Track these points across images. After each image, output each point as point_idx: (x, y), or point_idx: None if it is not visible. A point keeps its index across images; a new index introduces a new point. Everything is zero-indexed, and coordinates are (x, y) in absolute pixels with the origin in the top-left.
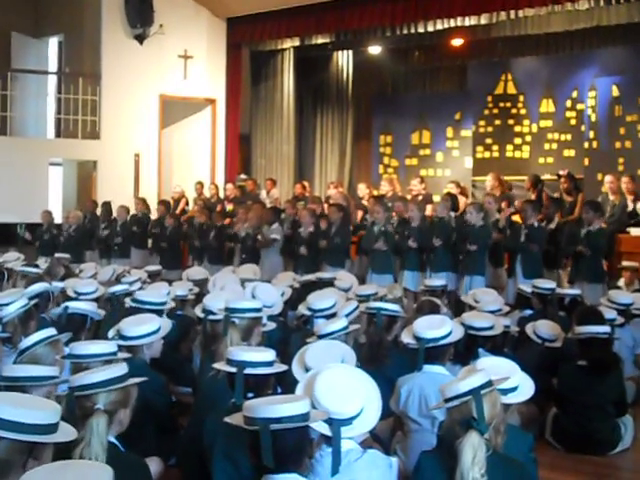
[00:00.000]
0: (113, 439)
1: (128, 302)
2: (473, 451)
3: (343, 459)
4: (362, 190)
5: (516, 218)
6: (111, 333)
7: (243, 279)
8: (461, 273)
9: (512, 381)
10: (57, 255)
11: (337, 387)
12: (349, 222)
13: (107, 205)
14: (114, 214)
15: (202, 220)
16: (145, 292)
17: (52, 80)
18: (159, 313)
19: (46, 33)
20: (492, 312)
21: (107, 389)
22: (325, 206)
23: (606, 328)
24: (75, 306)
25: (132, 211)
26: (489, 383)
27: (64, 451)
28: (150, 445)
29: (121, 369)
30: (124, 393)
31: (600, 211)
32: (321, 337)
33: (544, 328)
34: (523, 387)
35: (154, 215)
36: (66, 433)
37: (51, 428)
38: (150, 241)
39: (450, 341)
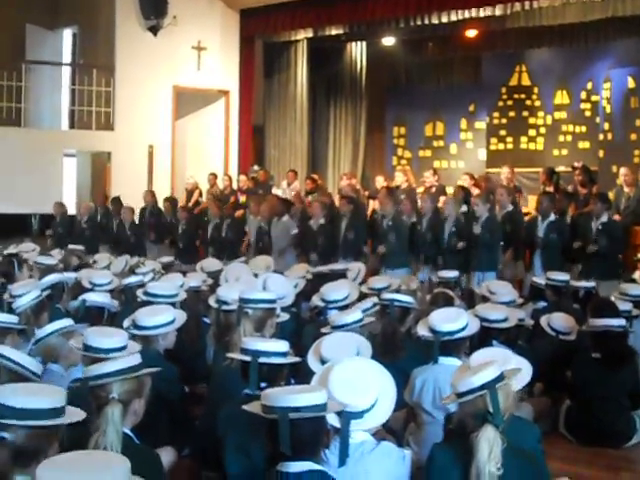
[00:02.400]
0: (128, 431)
1: (140, 295)
2: (489, 446)
3: (357, 450)
4: (380, 182)
5: (528, 211)
6: (126, 323)
7: (255, 272)
8: (472, 269)
9: (509, 367)
10: (71, 247)
11: (351, 380)
12: (362, 214)
13: (117, 200)
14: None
15: (216, 216)
16: (156, 284)
17: (66, 72)
18: (172, 305)
19: (60, 25)
20: (505, 303)
21: (121, 378)
22: (336, 198)
23: (621, 321)
24: (93, 299)
25: (142, 204)
26: (502, 376)
27: (80, 441)
28: (163, 435)
29: (135, 359)
30: (138, 383)
31: (608, 203)
32: (335, 328)
33: (559, 321)
34: (520, 374)
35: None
36: (74, 415)
37: (58, 411)
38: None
39: (466, 334)
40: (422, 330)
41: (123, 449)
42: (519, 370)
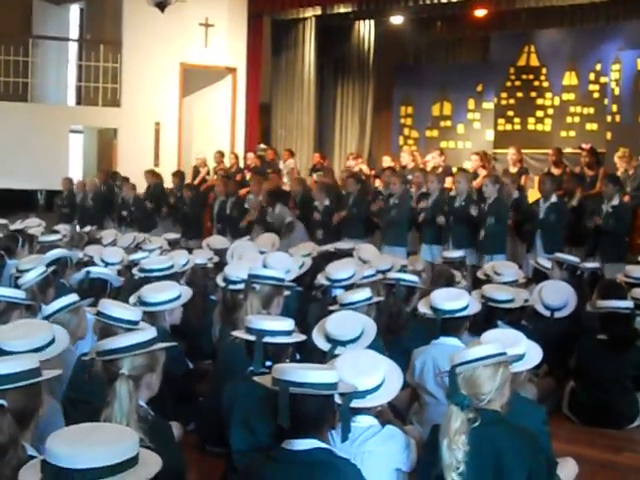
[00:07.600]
0: (142, 403)
1: (136, 272)
2: (451, 427)
3: (363, 433)
4: (387, 162)
5: (534, 193)
6: (132, 299)
7: (261, 249)
8: (482, 252)
9: (518, 349)
10: (80, 230)
11: (358, 363)
12: (367, 193)
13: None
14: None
15: (222, 193)
16: (150, 260)
17: (73, 47)
18: (170, 278)
19: (67, 0)
20: (507, 283)
21: (131, 354)
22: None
23: (628, 303)
24: (97, 271)
25: (144, 184)
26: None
27: (93, 414)
28: (168, 411)
29: (147, 334)
30: (150, 358)
31: (619, 185)
32: (343, 306)
33: (551, 295)
34: (530, 355)
35: (168, 184)
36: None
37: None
38: (166, 211)
39: (466, 314)
40: (423, 308)
41: (137, 421)
42: (519, 356)
